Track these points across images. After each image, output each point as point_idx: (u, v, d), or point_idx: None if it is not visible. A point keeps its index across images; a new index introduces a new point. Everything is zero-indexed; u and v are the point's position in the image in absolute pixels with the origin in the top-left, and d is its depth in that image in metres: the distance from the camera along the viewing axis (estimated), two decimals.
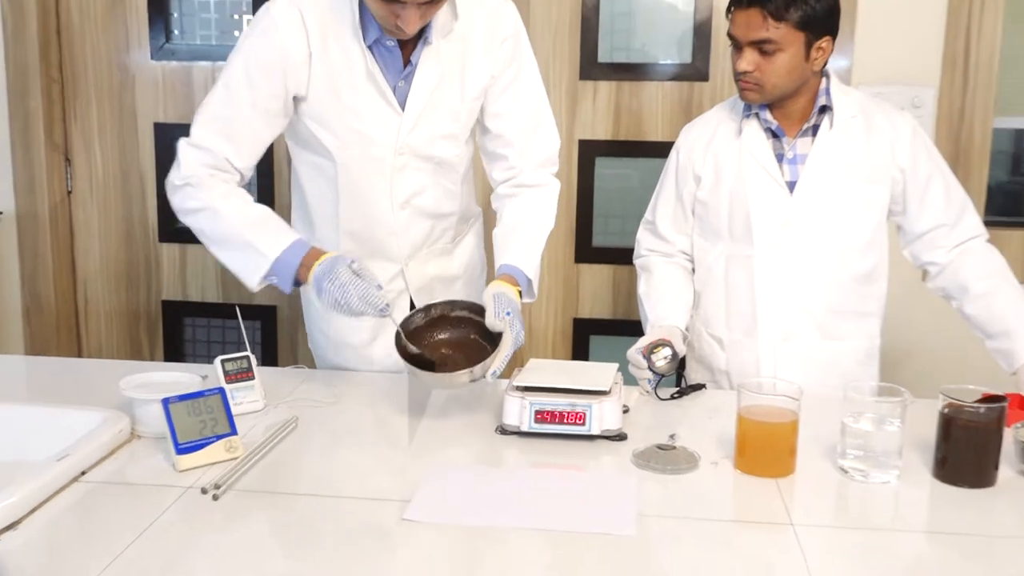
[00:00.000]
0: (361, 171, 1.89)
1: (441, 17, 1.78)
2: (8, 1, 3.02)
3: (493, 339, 1.68)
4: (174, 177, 1.80)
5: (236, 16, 3.12)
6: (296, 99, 1.83)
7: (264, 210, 1.80)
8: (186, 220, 1.81)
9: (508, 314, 1.67)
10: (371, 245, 1.96)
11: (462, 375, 1.61)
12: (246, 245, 1.74)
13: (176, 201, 1.80)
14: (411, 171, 1.91)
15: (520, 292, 1.80)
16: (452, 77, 1.85)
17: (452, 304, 1.76)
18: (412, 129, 1.86)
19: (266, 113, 1.80)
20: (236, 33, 3.11)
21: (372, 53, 1.79)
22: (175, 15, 3.13)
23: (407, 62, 1.82)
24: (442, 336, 1.74)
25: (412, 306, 2.02)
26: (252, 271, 1.74)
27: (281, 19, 1.77)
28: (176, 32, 3.14)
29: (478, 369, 1.62)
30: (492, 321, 1.67)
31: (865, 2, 2.81)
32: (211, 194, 1.76)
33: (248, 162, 1.83)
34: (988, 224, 2.07)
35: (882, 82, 2.83)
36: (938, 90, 2.85)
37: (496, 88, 1.91)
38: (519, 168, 1.95)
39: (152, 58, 3.13)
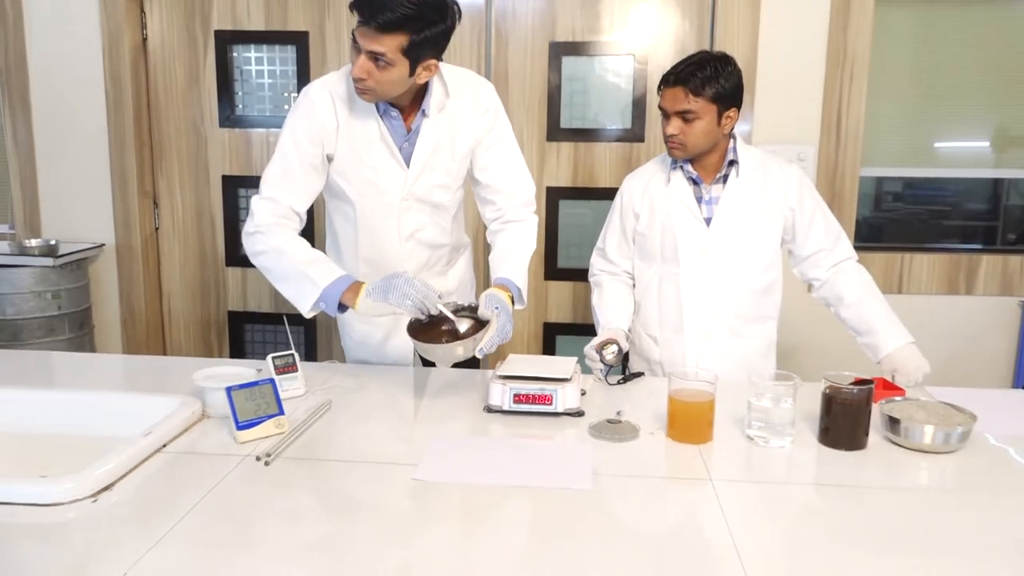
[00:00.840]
0: (375, 213, 1.88)
1: (437, 96, 1.78)
2: (111, 84, 3.00)
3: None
4: (248, 226, 1.77)
5: (285, 94, 3.10)
6: (328, 158, 1.82)
7: (317, 252, 1.77)
8: (255, 260, 1.77)
9: (496, 308, 1.66)
10: (383, 269, 1.93)
11: (456, 346, 1.60)
12: (302, 277, 1.71)
13: (248, 245, 1.78)
14: (414, 213, 1.89)
15: (512, 299, 1.77)
16: (445, 141, 1.84)
17: (457, 307, 1.73)
18: (415, 181, 1.85)
19: (311, 169, 1.79)
20: (285, 107, 3.10)
21: (383, 122, 1.79)
22: (239, 93, 3.11)
23: (408, 129, 1.81)
24: (446, 327, 1.70)
25: None
26: (305, 298, 1.70)
27: (317, 99, 1.77)
28: (239, 106, 3.12)
29: (469, 343, 1.60)
30: (482, 311, 1.66)
31: (762, 81, 2.83)
32: (276, 240, 1.74)
33: (304, 207, 1.81)
34: (857, 248, 2.07)
35: (775, 142, 2.84)
36: (818, 147, 2.87)
37: (481, 149, 1.89)
38: (505, 209, 1.93)
39: (220, 126, 3.11)
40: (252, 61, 3.09)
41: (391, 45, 1.59)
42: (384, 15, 1.56)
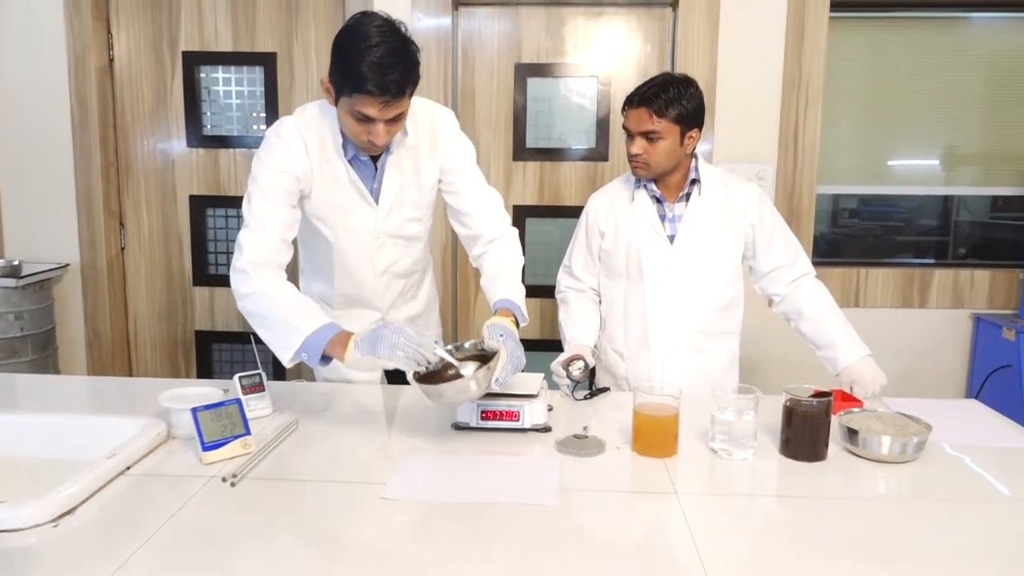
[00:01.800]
0: (350, 251, 1.86)
1: (397, 135, 1.75)
2: (77, 104, 2.96)
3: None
4: (236, 261, 1.65)
5: (253, 114, 3.08)
6: (302, 196, 1.78)
7: (304, 297, 1.66)
8: (240, 303, 1.65)
9: (502, 336, 1.56)
10: (359, 301, 1.94)
11: (468, 382, 1.46)
12: (285, 323, 1.58)
13: (234, 284, 1.65)
14: (387, 248, 1.88)
15: (516, 320, 1.70)
16: (410, 176, 1.83)
17: (458, 348, 1.62)
18: (386, 218, 1.83)
19: (290, 203, 1.73)
20: (254, 127, 3.08)
21: (352, 165, 1.77)
22: (207, 113, 3.09)
23: (376, 168, 1.80)
24: (452, 371, 1.59)
25: None
26: (287, 345, 1.57)
27: (290, 138, 1.73)
28: (207, 126, 3.09)
29: (482, 377, 1.46)
30: (489, 343, 1.57)
31: (721, 102, 2.87)
32: (262, 282, 1.62)
33: (292, 235, 1.73)
34: (815, 264, 2.10)
35: (735, 161, 2.88)
36: (776, 166, 2.91)
37: (447, 175, 1.87)
38: (479, 230, 1.89)
39: (188, 146, 3.08)
40: (220, 82, 3.07)
41: (406, 100, 1.61)
42: (400, 84, 1.55)
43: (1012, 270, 3.00)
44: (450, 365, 1.56)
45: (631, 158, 1.95)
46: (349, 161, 1.76)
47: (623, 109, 1.95)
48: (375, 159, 1.79)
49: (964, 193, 3.13)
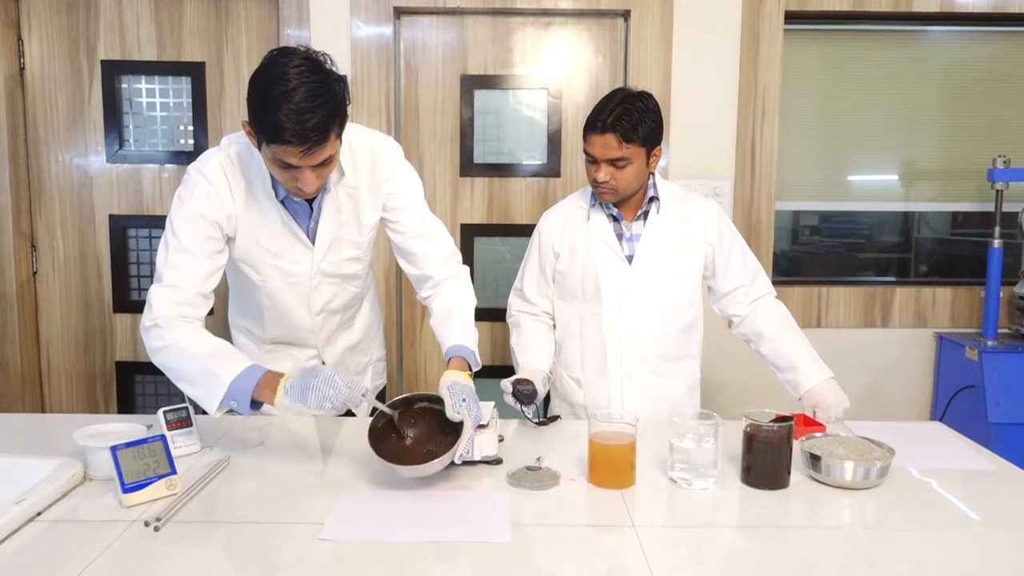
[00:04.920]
0: (283, 294, 1.84)
1: (333, 173, 1.72)
2: None
3: (454, 423, 1.53)
4: (145, 319, 1.61)
5: (180, 127, 3.04)
6: (228, 239, 1.74)
7: (221, 343, 1.61)
8: (155, 359, 1.61)
9: (464, 400, 1.52)
10: (292, 340, 1.93)
11: (433, 465, 1.44)
12: (205, 373, 1.54)
13: (147, 341, 1.61)
14: (323, 287, 1.87)
15: (470, 366, 1.69)
16: (349, 215, 1.81)
17: (413, 399, 1.61)
18: (322, 259, 1.81)
19: (212, 250, 1.68)
20: (180, 141, 3.03)
21: (284, 205, 1.73)
22: (128, 127, 3.03)
23: (312, 208, 1.77)
24: (408, 430, 1.59)
25: None
26: (211, 396, 1.53)
27: (214, 179, 1.68)
28: (129, 140, 3.04)
29: (446, 456, 1.46)
30: (451, 413, 1.52)
31: (676, 115, 2.93)
32: (174, 333, 1.58)
33: (211, 287, 1.68)
34: (775, 283, 2.15)
35: (691, 177, 2.94)
36: (733, 182, 2.97)
37: (389, 213, 1.85)
38: (427, 271, 1.88)
39: (107, 161, 3.02)
40: (143, 93, 3.02)
41: (334, 143, 1.56)
42: (322, 130, 1.50)
43: (973, 287, 3.11)
44: (405, 418, 1.58)
45: (597, 184, 1.95)
46: (281, 202, 1.73)
47: (584, 134, 1.95)
48: (311, 200, 1.76)
49: (924, 209, 3.24)
